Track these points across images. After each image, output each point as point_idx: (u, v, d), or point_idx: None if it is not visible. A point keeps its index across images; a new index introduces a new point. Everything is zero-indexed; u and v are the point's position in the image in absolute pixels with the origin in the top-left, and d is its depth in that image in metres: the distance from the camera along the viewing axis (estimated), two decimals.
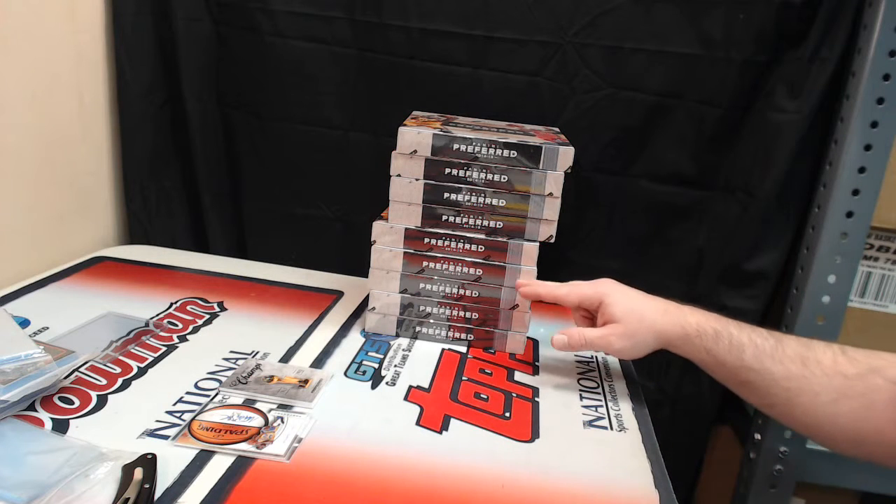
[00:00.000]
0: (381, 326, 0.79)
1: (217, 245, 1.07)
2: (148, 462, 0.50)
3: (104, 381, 0.62)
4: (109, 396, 0.60)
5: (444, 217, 0.74)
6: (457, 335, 0.78)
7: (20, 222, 0.85)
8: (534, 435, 0.62)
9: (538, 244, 0.74)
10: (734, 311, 0.93)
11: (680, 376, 1.00)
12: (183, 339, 0.73)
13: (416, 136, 0.72)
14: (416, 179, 0.73)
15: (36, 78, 0.84)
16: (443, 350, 0.77)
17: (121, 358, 0.67)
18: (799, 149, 0.87)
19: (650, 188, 0.96)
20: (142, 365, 0.66)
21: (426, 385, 0.69)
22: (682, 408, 1.02)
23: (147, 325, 0.75)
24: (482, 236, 0.75)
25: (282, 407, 0.61)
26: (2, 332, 0.60)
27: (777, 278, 0.94)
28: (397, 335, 0.79)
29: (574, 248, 0.99)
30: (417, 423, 0.62)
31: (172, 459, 0.52)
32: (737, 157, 0.93)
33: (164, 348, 0.70)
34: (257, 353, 0.71)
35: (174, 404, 0.60)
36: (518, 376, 0.73)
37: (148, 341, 0.71)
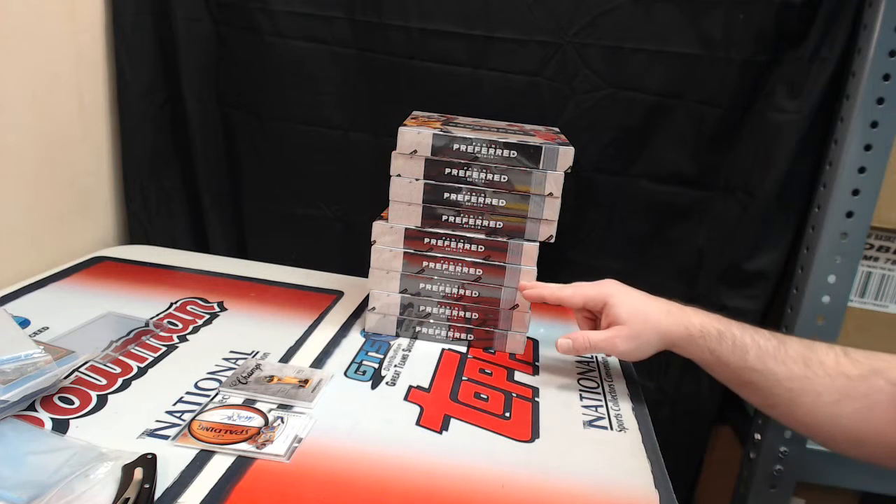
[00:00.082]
0: (381, 326, 0.79)
1: (217, 245, 1.07)
2: (148, 462, 0.50)
3: (104, 381, 0.62)
4: (109, 396, 0.60)
5: (444, 217, 0.74)
6: (457, 335, 0.78)
7: (20, 222, 0.85)
8: (534, 435, 0.62)
9: (538, 244, 0.74)
10: (734, 311, 0.93)
11: (680, 376, 1.00)
12: (183, 339, 0.73)
13: (416, 136, 0.72)
14: (416, 179, 0.73)
15: (36, 78, 0.84)
16: (443, 350, 0.77)
17: (121, 358, 0.67)
18: (799, 149, 0.87)
19: (650, 188, 0.96)
20: (142, 365, 0.66)
21: (426, 385, 0.69)
22: (682, 408, 1.02)
23: (147, 325, 0.75)
24: (482, 236, 0.74)
25: (282, 407, 0.61)
26: (2, 332, 0.60)
27: (777, 278, 0.94)
28: (397, 335, 0.79)
29: (574, 248, 0.99)
30: (417, 423, 0.61)
31: (172, 459, 0.52)
32: (737, 157, 0.93)
33: (164, 348, 0.70)
34: (257, 353, 0.71)
35: (174, 404, 0.60)
36: (518, 376, 0.73)
37: (148, 341, 0.71)
